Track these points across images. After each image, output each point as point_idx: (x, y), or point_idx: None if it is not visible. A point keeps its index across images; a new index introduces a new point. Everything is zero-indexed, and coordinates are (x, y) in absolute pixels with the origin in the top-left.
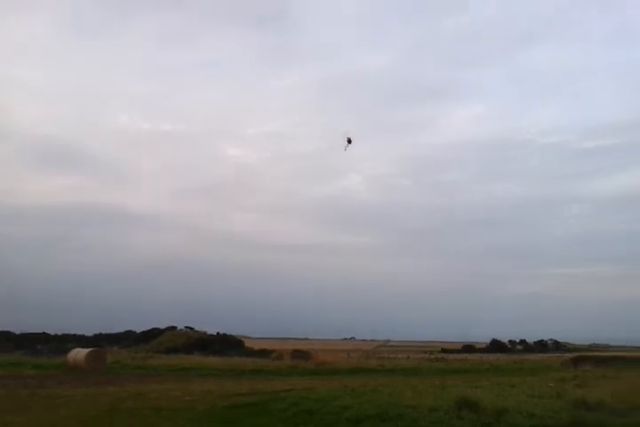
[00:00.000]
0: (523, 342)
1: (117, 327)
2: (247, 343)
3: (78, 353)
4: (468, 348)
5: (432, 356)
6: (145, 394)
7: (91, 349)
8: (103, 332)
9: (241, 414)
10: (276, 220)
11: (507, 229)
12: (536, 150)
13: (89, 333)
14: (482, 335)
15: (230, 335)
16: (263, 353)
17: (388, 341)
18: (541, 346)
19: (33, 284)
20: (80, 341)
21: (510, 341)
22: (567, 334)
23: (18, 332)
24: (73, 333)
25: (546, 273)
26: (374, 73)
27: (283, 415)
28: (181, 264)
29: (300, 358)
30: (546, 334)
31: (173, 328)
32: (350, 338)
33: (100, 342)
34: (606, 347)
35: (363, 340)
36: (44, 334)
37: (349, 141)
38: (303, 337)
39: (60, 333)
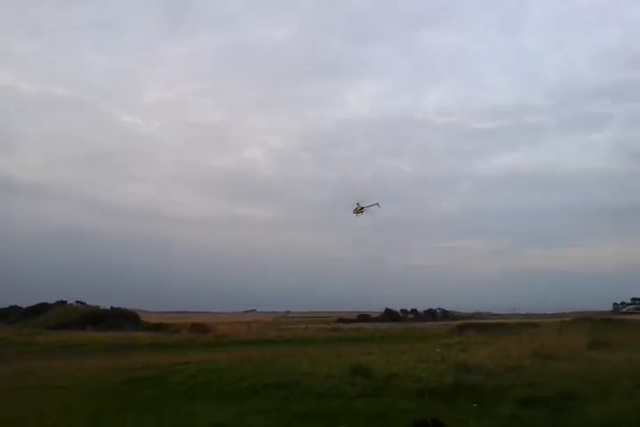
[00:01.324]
0: (414, 311)
1: (1, 302)
2: (144, 318)
3: None
4: (364, 317)
5: (329, 326)
6: (33, 372)
7: None
8: None
9: (137, 389)
10: (172, 191)
11: (398, 204)
12: (427, 129)
13: None
14: (376, 305)
15: (125, 309)
16: (161, 327)
17: (288, 312)
18: (431, 315)
19: None
20: None
21: (402, 310)
22: (454, 304)
23: None
24: None
25: (435, 246)
26: (274, 45)
27: (180, 388)
28: (71, 236)
29: (199, 332)
30: (435, 304)
31: (63, 303)
32: (251, 310)
33: None
34: (489, 315)
35: (263, 312)
36: None
37: (361, 209)
38: (203, 310)
39: None
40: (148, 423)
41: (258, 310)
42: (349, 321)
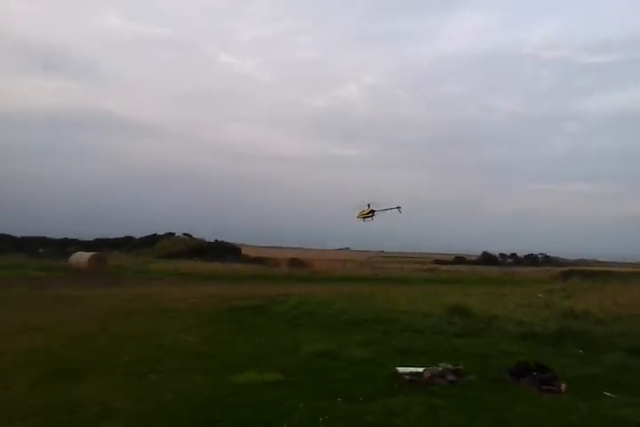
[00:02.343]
0: (513, 255)
1: (117, 233)
2: (244, 251)
3: (81, 256)
4: (460, 260)
5: (424, 267)
6: (149, 296)
7: (93, 252)
8: (103, 237)
9: (244, 315)
10: (268, 130)
11: (500, 145)
12: (533, 65)
13: (89, 237)
14: (474, 248)
15: (227, 243)
16: (260, 260)
17: (382, 252)
18: (531, 260)
19: (30, 189)
20: (80, 245)
21: (501, 254)
22: (557, 250)
23: (18, 235)
24: (73, 237)
25: (539, 189)
26: None
27: (283, 317)
28: (177, 174)
29: (297, 266)
30: (536, 249)
31: (172, 235)
32: (344, 248)
33: (99, 246)
34: (595, 262)
35: (357, 250)
36: (44, 238)
37: (371, 213)
38: (298, 246)
39: (60, 237)
40: (259, 346)
41: (351, 248)
42: (445, 263)
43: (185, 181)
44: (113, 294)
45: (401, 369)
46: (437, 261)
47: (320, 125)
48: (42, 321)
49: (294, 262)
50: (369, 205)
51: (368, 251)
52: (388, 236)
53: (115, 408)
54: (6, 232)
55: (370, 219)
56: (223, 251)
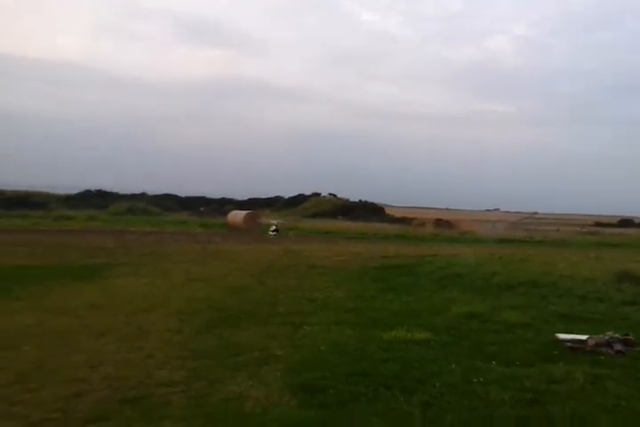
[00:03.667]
0: None
1: (267, 193)
2: (388, 211)
3: (237, 215)
4: (626, 222)
5: (584, 229)
6: (299, 253)
7: (247, 211)
8: (255, 196)
9: (391, 274)
10: (411, 89)
11: None
12: None
13: (242, 197)
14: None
15: (371, 203)
16: (405, 220)
17: (535, 213)
18: None
19: (186, 152)
20: (235, 204)
21: None
22: None
23: (182, 195)
24: (229, 197)
25: None
26: None
27: (431, 277)
28: (322, 135)
29: (443, 227)
30: None
31: (318, 195)
32: (494, 209)
33: (252, 205)
34: None
35: (507, 211)
36: (204, 198)
37: None
38: (444, 207)
39: (217, 197)
40: (407, 304)
41: (501, 209)
42: (608, 226)
43: (329, 142)
44: (266, 249)
45: (561, 336)
46: (598, 224)
47: (465, 81)
48: (203, 273)
49: (440, 223)
50: None
51: (519, 212)
52: (542, 196)
53: (274, 354)
54: (173, 192)
55: None
56: (367, 211)
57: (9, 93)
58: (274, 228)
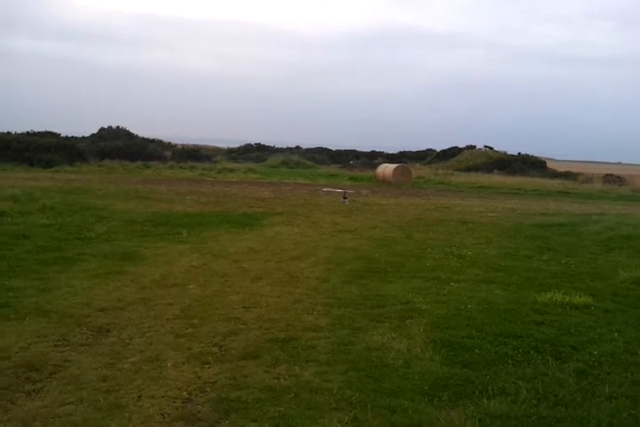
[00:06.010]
0: None
1: (418, 146)
2: (550, 165)
3: (386, 168)
4: None
5: None
6: (450, 207)
7: (397, 164)
8: (405, 150)
9: (548, 233)
10: (581, 28)
11: None
12: None
13: (393, 150)
14: None
15: (532, 156)
16: (568, 176)
17: None
18: None
19: (333, 105)
20: (385, 157)
21: None
22: None
23: (333, 148)
24: (379, 150)
25: None
26: None
27: (595, 238)
28: (479, 83)
29: (613, 183)
30: None
31: (472, 147)
32: None
33: (403, 158)
34: None
35: None
36: (355, 151)
37: None
38: (615, 161)
39: (367, 150)
40: (567, 266)
41: None
42: None
43: (485, 91)
44: (415, 203)
45: None
46: None
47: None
48: (352, 225)
49: (610, 178)
50: None
51: None
52: None
53: (418, 308)
54: (325, 146)
55: None
56: (526, 164)
57: (185, 53)
58: (345, 196)
